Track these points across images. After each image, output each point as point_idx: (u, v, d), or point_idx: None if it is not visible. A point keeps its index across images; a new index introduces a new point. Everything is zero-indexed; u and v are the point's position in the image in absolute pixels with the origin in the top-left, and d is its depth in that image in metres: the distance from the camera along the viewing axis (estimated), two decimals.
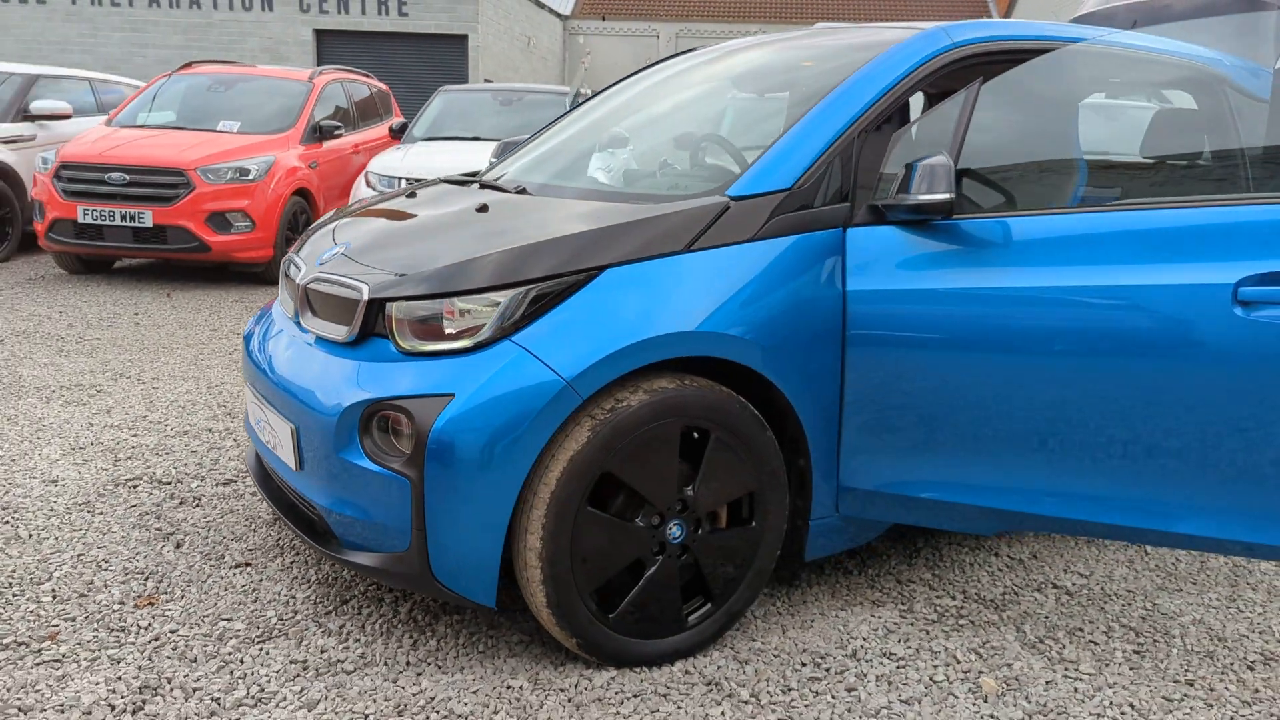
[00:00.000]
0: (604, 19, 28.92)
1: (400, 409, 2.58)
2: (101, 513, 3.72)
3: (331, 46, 22.17)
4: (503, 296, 2.63)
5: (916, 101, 4.24)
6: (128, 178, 8.14)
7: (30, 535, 3.50)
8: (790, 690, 2.72)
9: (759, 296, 2.80)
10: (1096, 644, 3.04)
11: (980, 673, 2.85)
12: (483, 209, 3.08)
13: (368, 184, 8.37)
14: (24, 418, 4.84)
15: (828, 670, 2.83)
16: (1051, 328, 2.77)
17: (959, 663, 2.90)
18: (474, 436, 2.51)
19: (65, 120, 10.13)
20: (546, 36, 26.76)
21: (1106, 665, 2.93)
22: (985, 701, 2.72)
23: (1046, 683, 2.82)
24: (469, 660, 2.81)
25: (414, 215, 3.22)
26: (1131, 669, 2.92)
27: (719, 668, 2.82)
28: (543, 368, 2.55)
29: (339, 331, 2.85)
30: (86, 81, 11.03)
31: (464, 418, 2.52)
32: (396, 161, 8.44)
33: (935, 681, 2.80)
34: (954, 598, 3.30)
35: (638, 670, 2.78)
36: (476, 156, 8.24)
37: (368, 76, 11.18)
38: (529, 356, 2.56)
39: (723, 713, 2.60)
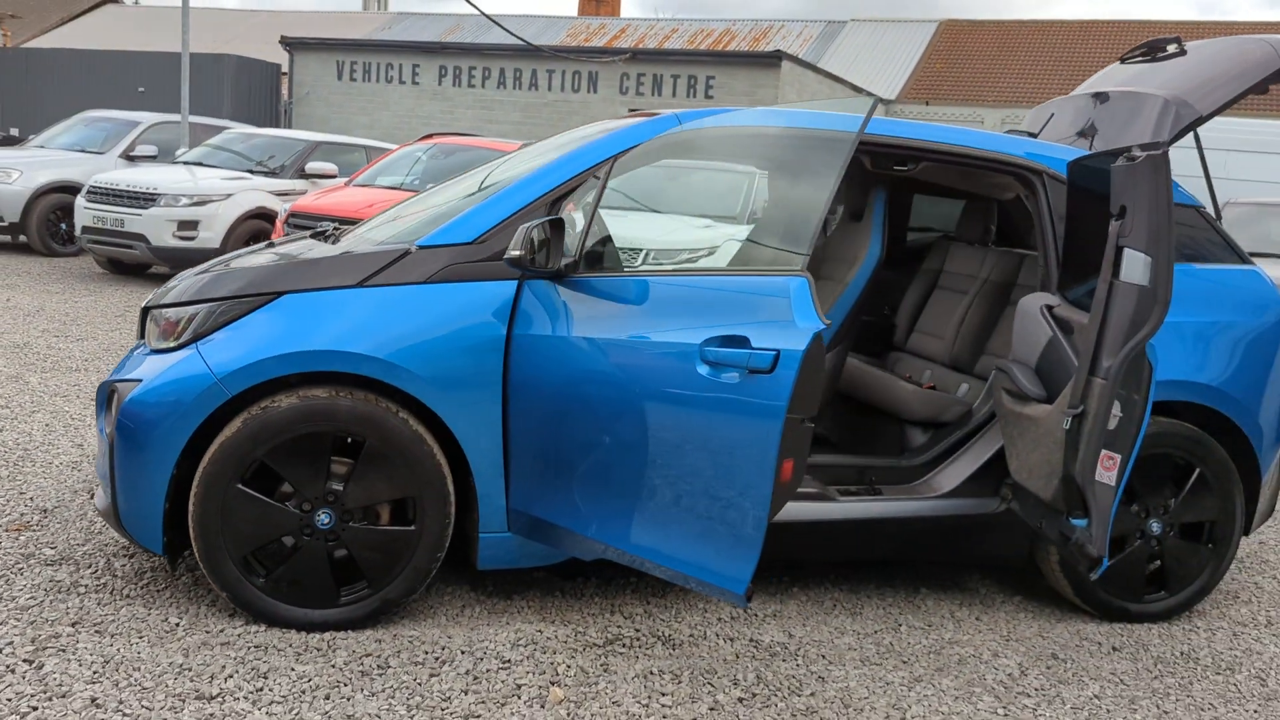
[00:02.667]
0: (928, 104, 28.93)
1: (116, 388, 3.34)
2: (80, 470, 4.76)
3: None
4: (200, 309, 3.34)
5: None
6: (331, 226, 9.61)
7: (9, 475, 4.59)
8: (385, 667, 3.16)
9: (421, 331, 3.31)
10: (713, 688, 3.21)
11: (565, 685, 3.15)
12: (269, 245, 3.80)
13: None
14: None
15: (435, 659, 3.24)
16: (600, 374, 3.07)
17: (538, 674, 3.19)
18: (142, 413, 3.22)
19: (332, 179, 11.98)
20: None
21: (693, 703, 3.11)
22: (540, 706, 3.03)
23: (613, 702, 3.07)
24: (176, 604, 3.47)
25: (254, 252, 3.99)
26: (710, 709, 3.08)
27: (353, 641, 3.30)
28: (203, 366, 3.22)
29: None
30: (362, 149, 12.96)
31: (139, 398, 3.24)
32: None
33: (519, 684, 3.13)
34: (639, 630, 3.55)
35: (286, 631, 3.33)
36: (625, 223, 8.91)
37: None
38: (198, 357, 3.24)
39: (290, 666, 3.10)
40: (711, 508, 2.93)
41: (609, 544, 3.17)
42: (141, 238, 10.76)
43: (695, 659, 3.39)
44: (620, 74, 23.84)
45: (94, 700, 2.85)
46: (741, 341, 2.89)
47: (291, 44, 27.26)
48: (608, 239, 3.38)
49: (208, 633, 3.28)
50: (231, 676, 3.03)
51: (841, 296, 3.99)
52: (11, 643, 3.10)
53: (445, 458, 3.40)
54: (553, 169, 3.51)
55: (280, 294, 3.33)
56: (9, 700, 2.81)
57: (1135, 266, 3.10)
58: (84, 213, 11.25)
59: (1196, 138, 4.33)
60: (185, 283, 3.52)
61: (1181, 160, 5.60)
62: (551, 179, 3.49)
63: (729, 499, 2.89)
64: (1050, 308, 3.59)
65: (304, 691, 2.99)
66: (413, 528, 3.38)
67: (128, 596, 3.50)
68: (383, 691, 3.03)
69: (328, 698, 2.97)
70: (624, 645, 3.46)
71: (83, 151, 13.48)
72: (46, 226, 12.57)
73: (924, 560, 4.24)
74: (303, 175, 11.93)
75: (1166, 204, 3.09)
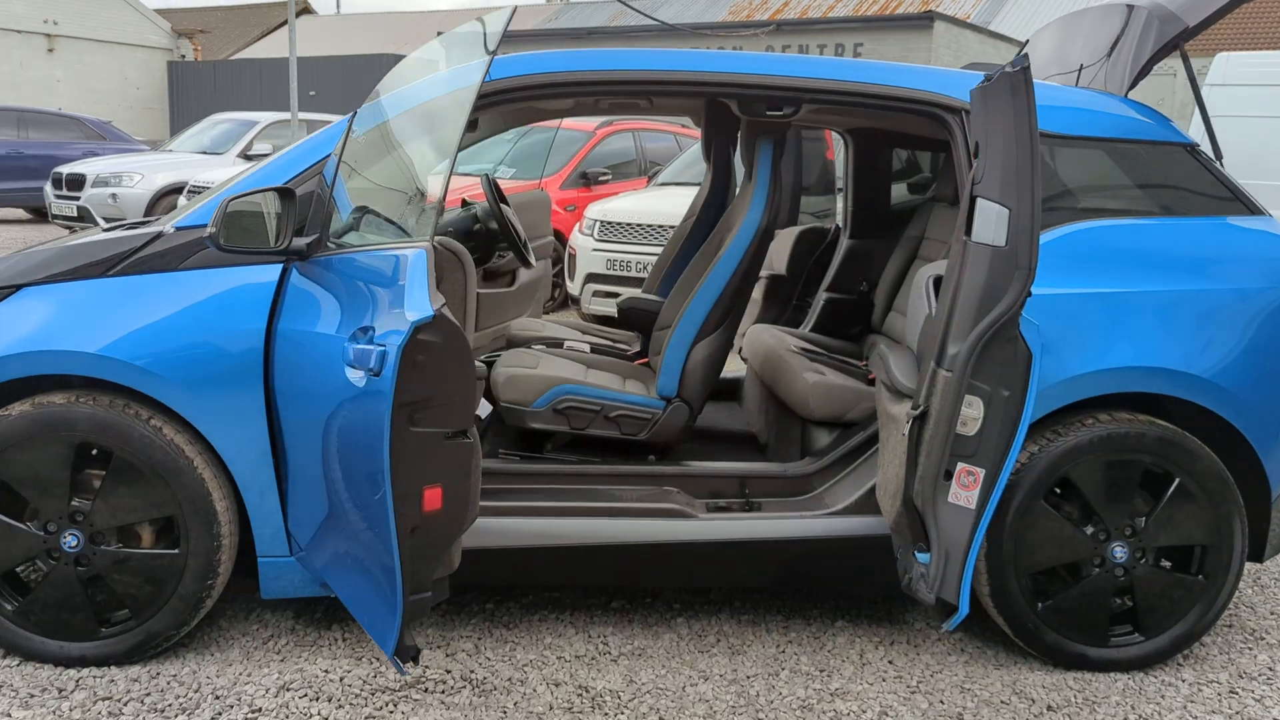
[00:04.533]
0: None
1: None
2: None
3: None
4: None
5: None
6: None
7: None
8: (117, 715, 2.75)
9: (166, 325, 2.87)
10: None
11: None
12: (73, 235, 3.45)
13: (580, 230, 8.70)
14: None
15: (180, 706, 2.80)
16: (304, 375, 2.54)
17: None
18: None
19: None
20: None
21: None
22: None
23: None
24: None
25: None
26: None
27: (104, 680, 2.91)
28: None
29: None
30: None
31: None
32: (606, 205, 8.75)
33: None
34: (450, 671, 3.01)
35: (40, 666, 2.96)
36: (679, 201, 8.26)
37: (683, 127, 11.62)
38: None
39: (7, 712, 2.73)
40: (357, 546, 2.37)
41: (325, 578, 2.65)
42: None
43: (493, 711, 2.83)
44: (766, 47, 23.01)
45: None
46: (369, 333, 2.31)
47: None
48: (367, 211, 2.84)
49: None
50: None
51: (714, 270, 3.29)
52: None
53: (221, 471, 2.96)
54: (321, 141, 3.02)
55: (19, 287, 2.96)
56: None
57: (988, 221, 2.33)
58: None
59: (1185, 58, 3.43)
60: None
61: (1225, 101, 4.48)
62: (319, 152, 3.00)
63: (366, 535, 2.32)
64: (941, 280, 2.82)
65: None
66: (176, 551, 2.95)
67: None
68: None
69: None
70: (422, 690, 2.93)
71: (204, 153, 13.87)
72: None
73: (817, 589, 3.51)
74: None
75: (1029, 137, 2.30)
